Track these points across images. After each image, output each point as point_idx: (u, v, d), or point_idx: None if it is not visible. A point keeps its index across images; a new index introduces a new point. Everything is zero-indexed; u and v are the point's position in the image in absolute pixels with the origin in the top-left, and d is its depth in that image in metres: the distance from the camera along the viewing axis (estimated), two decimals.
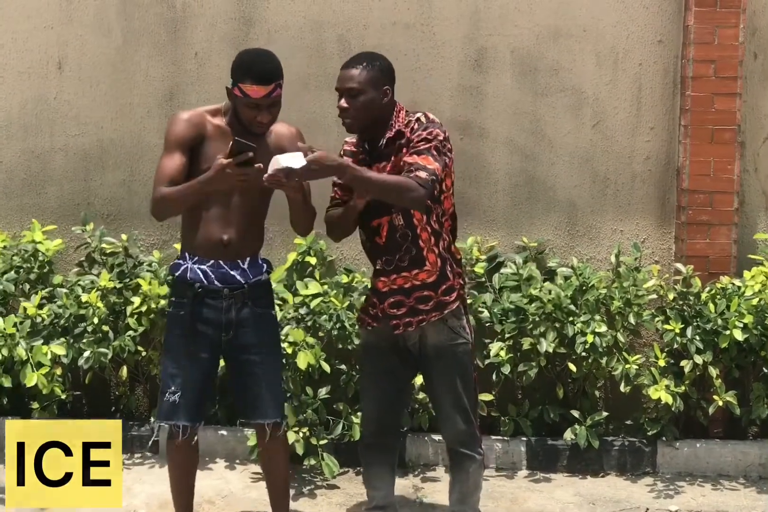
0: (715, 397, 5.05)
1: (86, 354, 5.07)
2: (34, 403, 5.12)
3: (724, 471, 5.16)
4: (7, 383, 5.04)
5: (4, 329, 5.02)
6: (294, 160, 3.59)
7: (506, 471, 5.17)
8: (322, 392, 5.08)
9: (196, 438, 4.06)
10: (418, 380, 4.75)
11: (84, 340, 5.10)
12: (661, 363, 5.06)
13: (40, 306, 5.15)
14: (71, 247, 5.52)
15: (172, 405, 3.97)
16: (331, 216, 4.01)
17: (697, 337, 5.04)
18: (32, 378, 4.93)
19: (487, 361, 5.08)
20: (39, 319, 5.14)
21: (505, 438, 5.23)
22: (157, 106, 5.49)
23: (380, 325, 3.97)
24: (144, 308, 5.11)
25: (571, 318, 5.05)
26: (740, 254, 5.32)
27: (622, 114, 5.40)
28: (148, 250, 5.49)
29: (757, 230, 5.41)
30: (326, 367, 4.96)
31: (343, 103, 3.83)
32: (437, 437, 5.13)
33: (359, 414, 4.89)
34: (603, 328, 5.01)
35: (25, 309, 5.14)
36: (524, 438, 5.23)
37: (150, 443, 5.18)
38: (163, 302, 5.02)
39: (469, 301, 4.77)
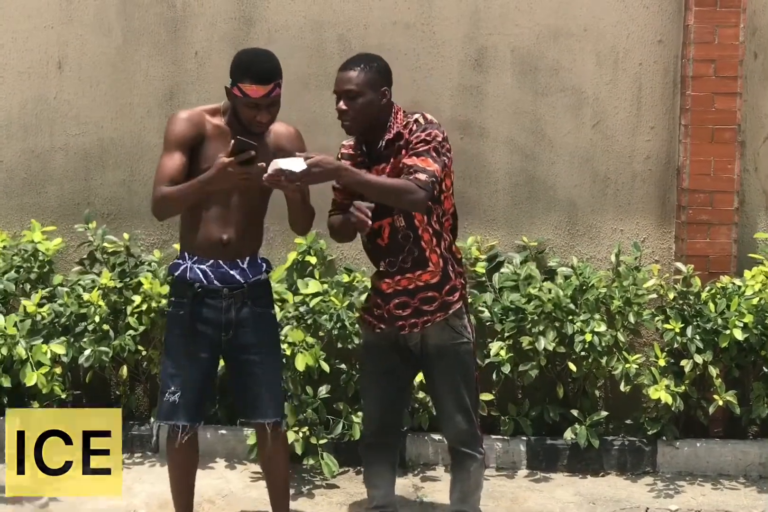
0: (715, 397, 5.05)
1: (87, 352, 5.07)
2: (34, 403, 5.12)
3: (724, 470, 5.16)
4: (6, 383, 5.03)
5: (5, 328, 5.02)
6: (294, 164, 3.59)
7: (506, 471, 5.17)
8: (322, 391, 5.08)
9: (196, 437, 4.07)
10: (418, 379, 4.75)
11: (85, 339, 5.10)
12: (661, 362, 5.06)
13: (40, 305, 5.16)
14: (71, 246, 5.53)
15: (171, 405, 3.97)
16: (332, 223, 4.01)
17: (697, 337, 5.03)
18: (32, 378, 4.92)
19: (487, 361, 5.08)
20: (39, 317, 5.14)
21: (506, 437, 5.23)
22: (157, 105, 5.49)
23: (387, 327, 3.97)
24: (144, 307, 5.11)
25: (570, 317, 5.05)
26: (740, 253, 5.32)
27: (623, 113, 5.40)
28: (149, 250, 5.49)
29: (757, 229, 5.41)
30: (326, 367, 4.96)
31: (342, 105, 3.83)
32: (437, 436, 5.13)
33: (359, 413, 4.90)
34: (602, 328, 5.02)
35: (25, 307, 5.15)
36: (524, 438, 5.23)
37: (152, 443, 5.19)
38: (163, 301, 5.02)
39: (469, 301, 4.77)
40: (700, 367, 5.06)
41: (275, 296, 4.83)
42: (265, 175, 3.63)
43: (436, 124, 3.84)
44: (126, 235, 5.42)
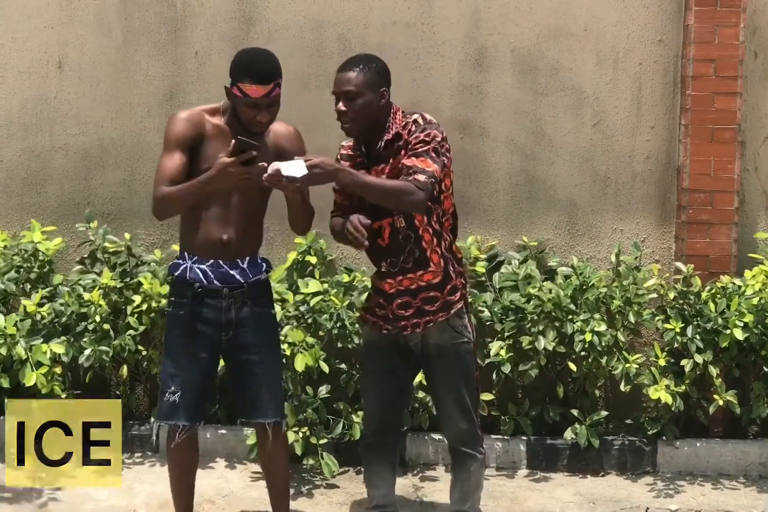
0: (716, 396, 5.05)
1: (87, 352, 5.07)
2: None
3: (724, 470, 5.16)
4: (5, 383, 5.03)
5: (5, 328, 5.01)
6: (295, 169, 3.59)
7: (506, 471, 5.17)
8: (322, 391, 5.08)
9: (196, 437, 4.07)
10: (418, 379, 4.75)
11: (85, 338, 5.10)
12: (662, 362, 5.06)
13: (40, 305, 5.15)
14: (72, 246, 5.53)
15: (171, 405, 3.97)
16: (334, 225, 4.01)
17: (698, 336, 5.03)
18: (31, 378, 4.91)
19: (487, 360, 5.08)
20: (39, 317, 5.14)
21: (506, 437, 5.23)
22: (157, 105, 5.49)
23: (392, 328, 3.97)
24: (144, 307, 5.11)
25: (570, 317, 5.05)
26: (740, 253, 5.32)
27: (623, 113, 5.40)
28: (149, 250, 5.49)
29: (757, 229, 5.41)
30: (325, 368, 4.96)
31: (341, 106, 3.82)
32: (437, 436, 5.13)
33: (359, 413, 4.90)
34: (602, 327, 5.02)
35: (25, 307, 5.14)
36: (524, 438, 5.23)
37: (152, 443, 5.19)
38: (163, 301, 5.02)
39: (470, 300, 4.77)
40: (701, 367, 5.06)
41: (275, 296, 4.83)
42: (265, 175, 3.63)
43: (435, 125, 3.84)
44: (127, 235, 5.42)
